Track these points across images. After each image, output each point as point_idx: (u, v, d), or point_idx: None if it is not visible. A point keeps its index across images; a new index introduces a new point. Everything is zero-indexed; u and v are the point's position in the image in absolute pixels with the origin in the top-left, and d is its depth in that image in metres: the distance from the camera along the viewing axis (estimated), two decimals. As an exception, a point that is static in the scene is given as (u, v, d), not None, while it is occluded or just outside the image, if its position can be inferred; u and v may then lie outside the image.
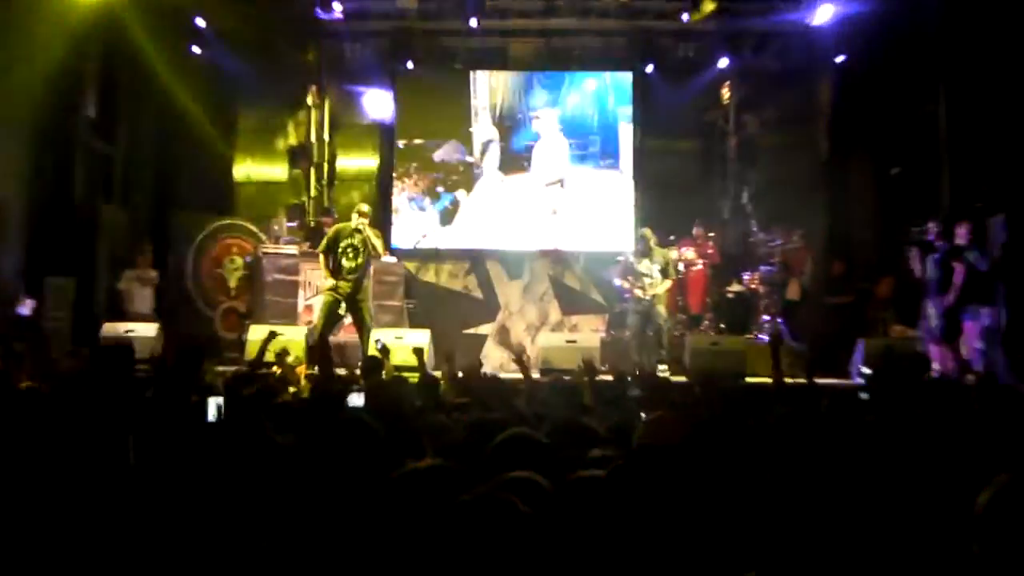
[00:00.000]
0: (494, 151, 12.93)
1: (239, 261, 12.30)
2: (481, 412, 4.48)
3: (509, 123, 12.97)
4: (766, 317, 11.53)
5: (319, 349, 9.11)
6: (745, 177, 12.77)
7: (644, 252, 10.47)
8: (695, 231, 12.10)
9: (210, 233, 12.47)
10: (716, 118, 13.03)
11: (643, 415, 4.21)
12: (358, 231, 9.47)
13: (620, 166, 12.86)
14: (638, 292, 10.36)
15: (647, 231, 10.67)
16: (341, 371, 7.31)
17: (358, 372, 7.13)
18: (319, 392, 5.18)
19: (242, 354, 10.13)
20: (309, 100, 12.87)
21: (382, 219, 12.37)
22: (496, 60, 13.00)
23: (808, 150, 12.66)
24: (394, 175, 13.04)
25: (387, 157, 13.12)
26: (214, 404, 4.83)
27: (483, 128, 12.96)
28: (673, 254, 11.45)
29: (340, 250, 9.49)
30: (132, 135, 12.34)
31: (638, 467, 2.38)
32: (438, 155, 12.93)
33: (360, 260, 9.52)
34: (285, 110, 13.04)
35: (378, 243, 9.60)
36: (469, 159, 12.93)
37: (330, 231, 9.76)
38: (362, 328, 9.66)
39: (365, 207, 9.67)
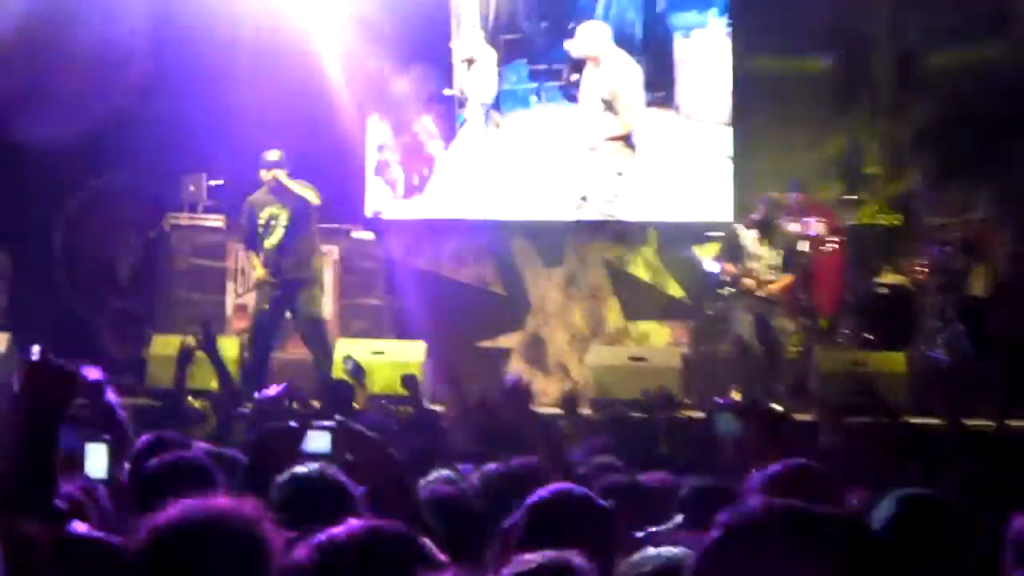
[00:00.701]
0: (485, 80, 13.05)
1: (133, 239, 12.26)
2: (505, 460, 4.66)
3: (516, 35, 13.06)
4: (939, 323, 11.43)
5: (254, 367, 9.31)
6: (905, 114, 12.70)
7: (764, 225, 10.68)
8: (834, 191, 12.21)
9: (88, 199, 12.44)
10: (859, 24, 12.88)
11: (748, 469, 4.12)
12: (276, 190, 9.59)
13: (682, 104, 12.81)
14: (748, 283, 10.46)
15: (777, 196, 10.97)
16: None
17: (316, 404, 7.37)
18: (259, 442, 5.11)
19: (141, 378, 10.25)
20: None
21: (349, 176, 12.55)
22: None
23: (1000, 75, 12.50)
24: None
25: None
26: (98, 455, 4.70)
27: (468, 45, 13.09)
28: (793, 228, 11.54)
29: (260, 225, 9.58)
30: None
31: (736, 555, 2.11)
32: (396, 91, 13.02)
33: (280, 233, 9.56)
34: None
35: (308, 192, 9.66)
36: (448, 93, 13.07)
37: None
38: (312, 338, 9.62)
39: (273, 154, 9.71)
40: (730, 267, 10.69)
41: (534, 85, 13.05)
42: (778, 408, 9.16)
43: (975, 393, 9.82)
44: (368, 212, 12.76)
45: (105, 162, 12.57)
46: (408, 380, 7.37)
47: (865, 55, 12.95)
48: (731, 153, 12.66)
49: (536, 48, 13.08)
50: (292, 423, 4.65)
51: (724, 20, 12.80)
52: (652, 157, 12.86)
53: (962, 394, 9.76)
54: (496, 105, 13.04)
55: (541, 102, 13.07)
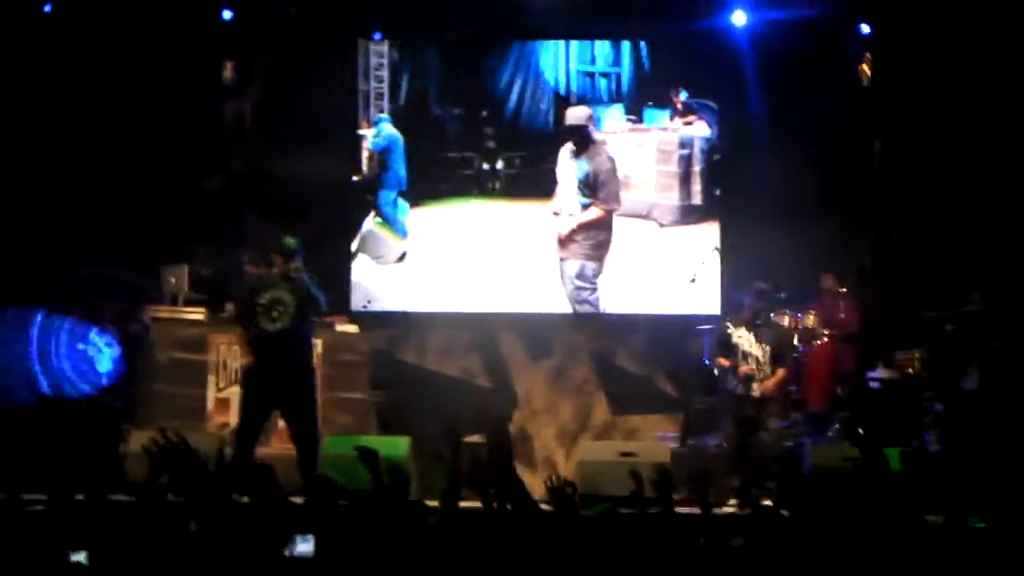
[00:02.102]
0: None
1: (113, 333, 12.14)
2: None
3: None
4: (931, 417, 11.36)
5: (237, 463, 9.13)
6: (897, 200, 12.86)
7: (749, 319, 10.63)
8: (824, 284, 12.16)
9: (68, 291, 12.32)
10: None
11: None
12: (288, 278, 9.40)
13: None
14: (746, 369, 10.48)
15: (763, 285, 10.87)
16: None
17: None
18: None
19: (120, 474, 9.94)
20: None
21: (337, 266, 12.61)
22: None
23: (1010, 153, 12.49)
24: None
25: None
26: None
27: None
28: (784, 322, 11.60)
29: (260, 309, 9.39)
30: None
31: None
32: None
33: (287, 320, 9.36)
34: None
35: (318, 295, 9.54)
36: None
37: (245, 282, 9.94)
38: (302, 434, 9.48)
39: (290, 241, 9.59)
40: (723, 361, 10.62)
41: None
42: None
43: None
44: (353, 304, 12.71)
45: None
46: (366, 454, 6.76)
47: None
48: (718, 245, 12.68)
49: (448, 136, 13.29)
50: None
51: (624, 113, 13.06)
52: (632, 250, 12.96)
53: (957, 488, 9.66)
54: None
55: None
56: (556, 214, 12.90)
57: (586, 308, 12.88)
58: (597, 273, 12.91)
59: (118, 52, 12.66)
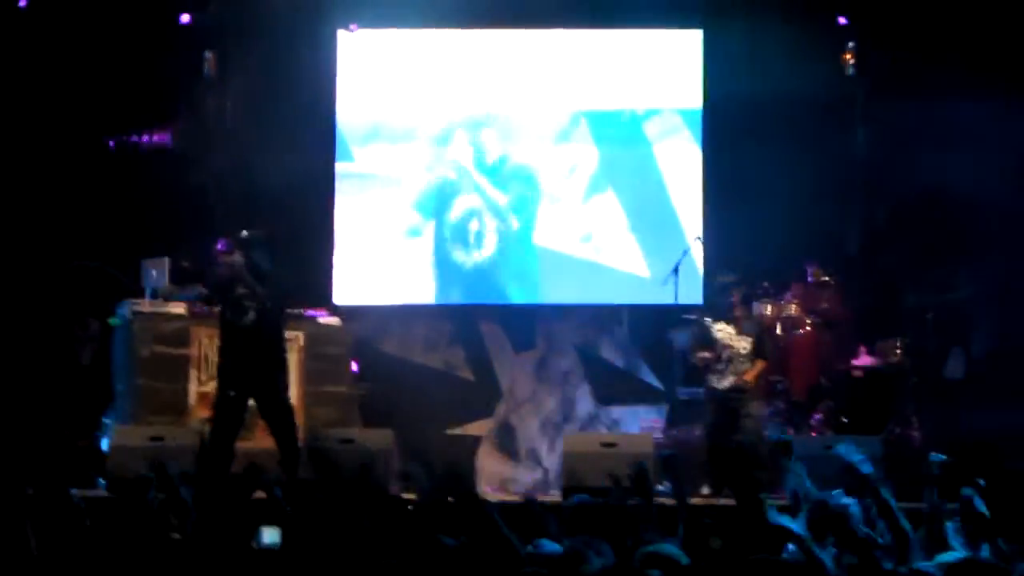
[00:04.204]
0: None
1: (94, 325, 12.16)
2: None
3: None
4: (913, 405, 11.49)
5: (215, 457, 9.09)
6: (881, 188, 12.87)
7: (724, 313, 10.61)
8: (809, 272, 12.16)
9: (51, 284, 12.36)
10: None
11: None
12: (249, 268, 9.48)
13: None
14: (723, 371, 10.45)
15: (728, 278, 10.78)
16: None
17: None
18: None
19: (100, 469, 10.08)
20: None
21: (316, 253, 12.59)
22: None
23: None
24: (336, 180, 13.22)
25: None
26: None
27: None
28: (767, 311, 11.66)
29: (229, 301, 9.43)
30: None
31: None
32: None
33: (252, 315, 9.40)
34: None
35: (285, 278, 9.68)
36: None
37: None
38: (279, 425, 9.52)
39: (247, 233, 9.66)
40: (704, 354, 10.59)
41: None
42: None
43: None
44: (335, 297, 12.73)
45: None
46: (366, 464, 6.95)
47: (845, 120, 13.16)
48: (700, 234, 12.69)
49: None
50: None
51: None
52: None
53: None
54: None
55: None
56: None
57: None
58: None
59: (97, 44, 12.66)
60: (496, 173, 13.19)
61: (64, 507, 5.23)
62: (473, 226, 13.08)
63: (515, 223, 13.09)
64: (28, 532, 4.42)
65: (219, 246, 11.42)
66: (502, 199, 13.13)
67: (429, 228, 13.15)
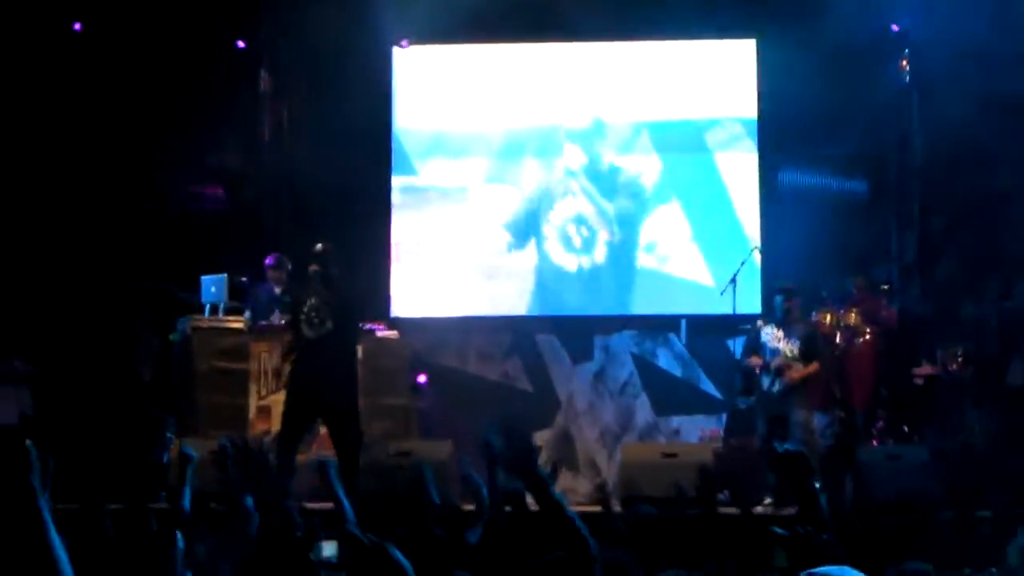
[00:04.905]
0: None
1: (154, 341, 12.35)
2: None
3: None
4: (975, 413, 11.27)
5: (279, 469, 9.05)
6: (937, 196, 12.76)
7: (779, 316, 10.67)
8: (858, 283, 12.05)
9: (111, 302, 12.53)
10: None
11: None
12: (324, 281, 9.49)
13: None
14: (778, 363, 10.48)
15: (786, 285, 10.87)
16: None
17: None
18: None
19: (163, 483, 10.23)
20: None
21: (376, 267, 12.67)
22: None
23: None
24: (392, 197, 13.27)
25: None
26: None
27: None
28: (827, 319, 11.56)
29: (302, 316, 9.46)
30: None
31: None
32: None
33: (327, 326, 9.44)
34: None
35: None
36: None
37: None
38: (344, 439, 9.53)
39: (320, 246, 9.71)
40: (755, 359, 10.65)
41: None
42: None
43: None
44: (393, 310, 12.77)
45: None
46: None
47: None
48: (758, 244, 12.69)
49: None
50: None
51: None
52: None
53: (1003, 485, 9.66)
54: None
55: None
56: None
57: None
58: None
59: (154, 64, 12.80)
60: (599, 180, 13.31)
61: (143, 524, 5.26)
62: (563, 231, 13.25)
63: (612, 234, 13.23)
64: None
65: (268, 261, 11.54)
66: (589, 208, 13.23)
67: (502, 240, 13.27)
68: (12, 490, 3.13)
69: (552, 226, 13.20)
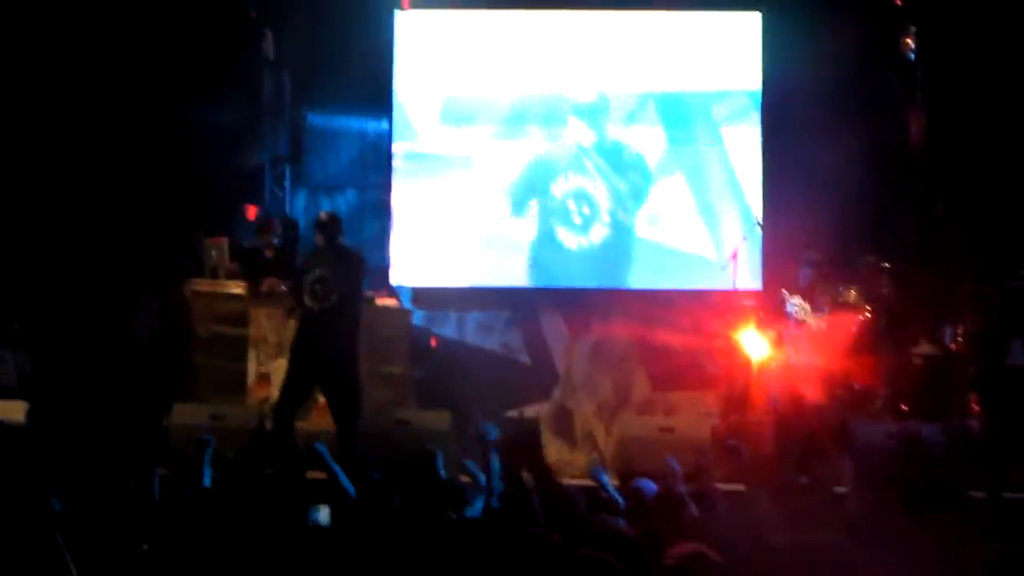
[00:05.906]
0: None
1: (152, 305, 12.18)
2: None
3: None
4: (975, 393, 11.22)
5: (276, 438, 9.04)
6: (941, 173, 12.78)
7: (806, 291, 10.98)
8: (864, 262, 11.98)
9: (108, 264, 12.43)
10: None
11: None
12: (334, 251, 9.45)
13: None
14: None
15: (816, 254, 11.25)
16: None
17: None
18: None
19: (161, 446, 10.11)
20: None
21: (376, 235, 12.65)
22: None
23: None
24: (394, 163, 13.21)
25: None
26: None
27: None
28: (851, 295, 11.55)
29: (306, 287, 9.46)
30: None
31: None
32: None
33: (332, 299, 9.37)
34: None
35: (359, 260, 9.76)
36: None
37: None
38: (343, 410, 9.53)
39: (324, 214, 9.71)
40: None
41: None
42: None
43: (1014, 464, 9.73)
44: (393, 279, 12.75)
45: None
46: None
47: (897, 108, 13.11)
48: (759, 219, 12.66)
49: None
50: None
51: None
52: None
53: (1001, 466, 9.67)
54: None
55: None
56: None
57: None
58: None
59: (156, 23, 12.73)
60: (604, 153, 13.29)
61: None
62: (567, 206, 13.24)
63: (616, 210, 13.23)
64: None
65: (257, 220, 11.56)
66: (592, 181, 13.20)
67: (504, 210, 13.25)
68: (38, 541, 3.14)
69: (554, 198, 13.17)
